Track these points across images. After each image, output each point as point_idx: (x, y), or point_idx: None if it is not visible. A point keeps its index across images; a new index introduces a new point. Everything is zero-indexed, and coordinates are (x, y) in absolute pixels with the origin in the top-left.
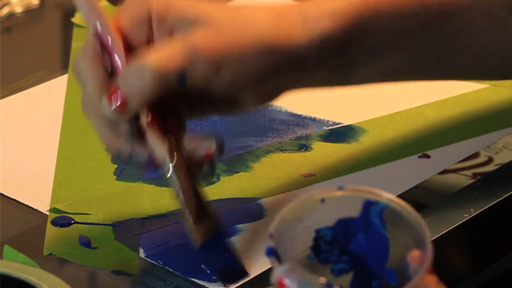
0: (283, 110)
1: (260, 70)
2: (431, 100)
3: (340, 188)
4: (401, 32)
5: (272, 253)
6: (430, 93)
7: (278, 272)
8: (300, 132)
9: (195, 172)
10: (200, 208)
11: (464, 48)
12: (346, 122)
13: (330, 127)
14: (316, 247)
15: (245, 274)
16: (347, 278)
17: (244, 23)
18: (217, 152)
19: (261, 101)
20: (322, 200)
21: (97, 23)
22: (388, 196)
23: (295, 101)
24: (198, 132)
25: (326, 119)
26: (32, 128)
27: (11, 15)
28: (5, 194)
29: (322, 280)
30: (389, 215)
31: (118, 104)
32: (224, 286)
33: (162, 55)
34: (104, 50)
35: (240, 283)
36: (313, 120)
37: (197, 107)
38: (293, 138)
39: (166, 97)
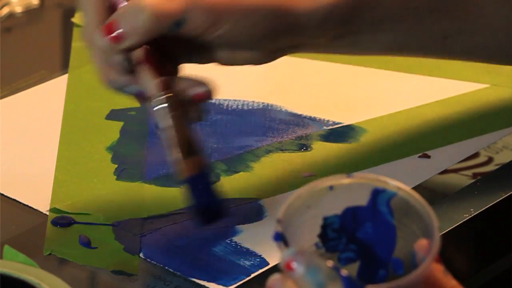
0: (283, 110)
1: (259, 31)
2: (431, 100)
3: (349, 176)
4: (408, 10)
5: (280, 238)
6: (430, 93)
7: (286, 255)
8: (300, 132)
9: (184, 111)
10: (189, 143)
11: (472, 31)
12: (346, 122)
13: (330, 127)
14: (323, 235)
15: (225, 215)
16: (354, 267)
17: None
18: (206, 95)
19: (260, 59)
20: (331, 188)
21: None
22: (396, 184)
23: (295, 101)
24: (190, 75)
25: (326, 119)
26: (32, 128)
27: (11, 15)
28: (5, 194)
29: (330, 263)
30: (397, 203)
31: (112, 36)
32: (204, 225)
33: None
34: None
35: (240, 283)
36: (313, 120)
37: (193, 53)
38: (293, 138)
39: (161, 39)
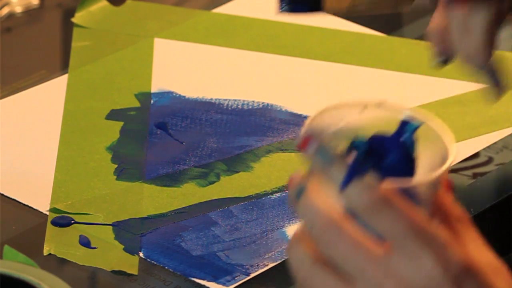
0: (283, 109)
1: None
2: (431, 100)
3: (379, 104)
4: None
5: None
6: (430, 93)
7: (305, 132)
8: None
9: None
10: None
11: None
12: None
13: None
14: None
15: (318, 9)
16: None
17: None
18: None
19: None
20: (361, 112)
21: None
22: (423, 116)
23: (295, 101)
24: None
25: None
26: (32, 128)
27: (11, 15)
28: (5, 194)
29: (343, 154)
30: (421, 134)
31: None
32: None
33: None
34: None
35: (240, 283)
36: None
37: None
38: (293, 138)
39: None
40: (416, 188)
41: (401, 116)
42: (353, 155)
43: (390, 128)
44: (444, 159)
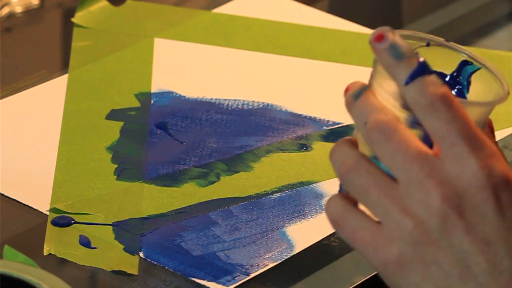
0: (283, 109)
1: None
2: None
3: (444, 42)
4: None
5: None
6: None
7: (380, 28)
8: (300, 132)
9: None
10: None
11: None
12: (346, 122)
13: (330, 127)
14: None
15: None
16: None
17: None
18: None
19: None
20: (428, 44)
21: None
22: (482, 60)
23: (295, 101)
24: None
25: (326, 119)
26: (32, 128)
27: (11, 15)
28: (5, 194)
29: (418, 53)
30: (477, 77)
31: None
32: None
33: None
34: None
35: (240, 283)
36: (313, 120)
37: None
38: (293, 138)
39: None
40: (470, 109)
41: (462, 57)
42: (422, 57)
43: (450, 66)
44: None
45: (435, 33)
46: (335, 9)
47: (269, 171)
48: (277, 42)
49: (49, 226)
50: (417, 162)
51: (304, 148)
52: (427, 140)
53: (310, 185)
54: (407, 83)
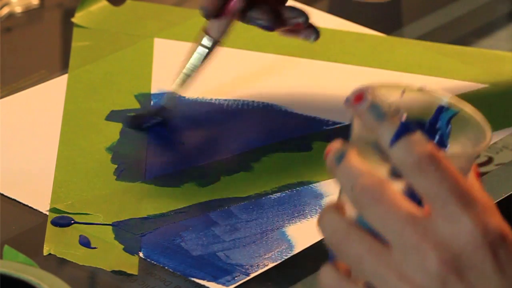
0: (283, 109)
1: None
2: None
3: (420, 89)
4: None
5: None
6: None
7: (358, 89)
8: (300, 132)
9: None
10: None
11: None
12: (346, 122)
13: (330, 127)
14: None
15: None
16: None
17: None
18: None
19: None
20: (402, 93)
21: None
22: (461, 104)
23: (295, 101)
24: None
25: (326, 119)
26: (32, 128)
27: (11, 15)
28: (5, 194)
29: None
30: (457, 121)
31: None
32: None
33: None
34: None
35: (239, 283)
36: (313, 120)
37: None
38: (293, 138)
39: None
40: (455, 160)
41: (439, 102)
42: (404, 115)
43: (428, 112)
44: (478, 143)
45: (435, 33)
46: (335, 9)
47: (269, 171)
48: (277, 42)
49: (49, 226)
50: (409, 225)
51: (304, 148)
52: (413, 192)
53: (310, 185)
54: (392, 143)
